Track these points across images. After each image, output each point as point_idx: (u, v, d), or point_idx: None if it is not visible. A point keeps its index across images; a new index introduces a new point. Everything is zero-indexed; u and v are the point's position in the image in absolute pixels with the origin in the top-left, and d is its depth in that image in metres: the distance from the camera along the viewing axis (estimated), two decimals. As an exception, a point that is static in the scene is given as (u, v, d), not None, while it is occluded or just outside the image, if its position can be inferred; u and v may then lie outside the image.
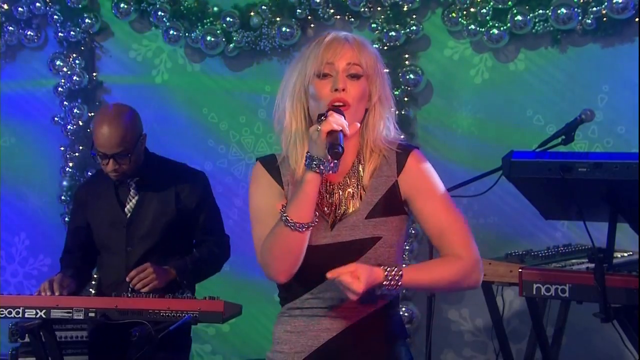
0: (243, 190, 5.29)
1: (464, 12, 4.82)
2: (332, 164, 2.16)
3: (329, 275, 2.17)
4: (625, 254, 3.90)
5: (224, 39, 5.19)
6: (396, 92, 4.96)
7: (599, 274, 3.09)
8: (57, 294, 3.59)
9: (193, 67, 5.38)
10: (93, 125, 3.78)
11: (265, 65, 5.27)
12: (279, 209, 2.24)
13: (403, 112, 4.95)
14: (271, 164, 2.35)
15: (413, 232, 4.79)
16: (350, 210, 2.29)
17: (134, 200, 3.80)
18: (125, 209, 3.80)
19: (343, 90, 2.24)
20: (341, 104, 2.23)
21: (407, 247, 4.82)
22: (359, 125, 2.27)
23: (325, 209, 2.30)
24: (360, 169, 2.31)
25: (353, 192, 2.30)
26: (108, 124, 3.64)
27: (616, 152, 3.46)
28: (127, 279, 3.63)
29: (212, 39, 5.18)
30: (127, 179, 3.77)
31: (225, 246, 3.93)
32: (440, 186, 2.35)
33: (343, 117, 2.19)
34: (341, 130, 2.15)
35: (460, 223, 2.33)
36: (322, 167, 2.16)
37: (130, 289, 3.61)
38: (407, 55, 4.96)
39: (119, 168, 3.67)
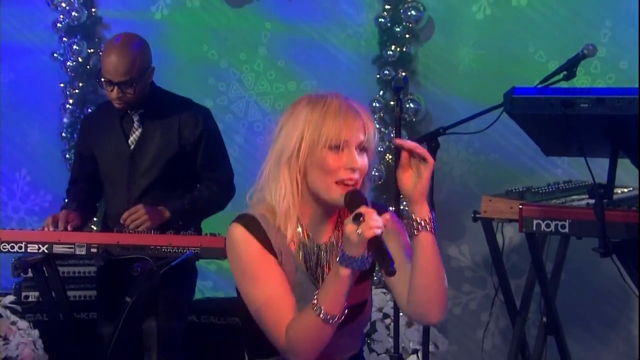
0: (243, 128, 5.29)
1: (467, -53, 4.76)
2: (368, 260, 2.10)
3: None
4: (626, 190, 3.91)
5: (223, -26, 5.14)
6: (397, 29, 4.93)
7: (599, 209, 3.10)
8: (61, 229, 3.61)
9: (192, 3, 5.32)
10: (103, 52, 3.77)
11: (265, 1, 5.21)
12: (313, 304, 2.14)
13: (404, 49, 4.91)
14: (257, 229, 2.23)
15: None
16: None
17: (137, 133, 3.80)
18: (129, 141, 3.80)
19: (358, 169, 2.21)
20: (352, 182, 2.20)
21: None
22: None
23: (317, 275, 2.28)
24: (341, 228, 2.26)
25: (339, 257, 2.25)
26: (116, 52, 3.62)
27: (618, 87, 3.45)
28: (121, 221, 3.64)
29: (212, -25, 5.12)
30: (130, 110, 3.76)
31: (228, 184, 3.92)
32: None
33: (375, 213, 2.10)
34: (381, 233, 2.08)
35: None
36: (358, 267, 2.10)
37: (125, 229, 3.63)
38: (408, -9, 4.92)
39: (123, 97, 3.66)
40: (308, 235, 2.28)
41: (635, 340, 4.56)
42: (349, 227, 2.08)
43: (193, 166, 3.83)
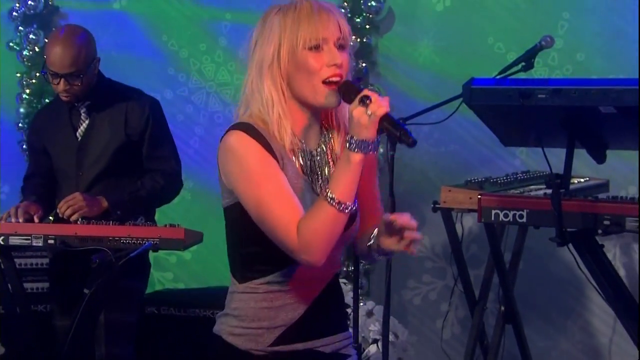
0: (204, 119, 5.26)
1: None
2: (376, 144, 2.11)
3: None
4: (582, 180, 3.96)
5: (183, -36, 5.10)
6: (358, 20, 4.93)
7: (556, 199, 3.13)
8: (21, 220, 3.57)
9: (152, -7, 5.28)
10: (46, 44, 3.72)
11: (226, -9, 5.19)
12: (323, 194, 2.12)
13: (364, 40, 4.92)
14: (256, 133, 2.19)
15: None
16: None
17: (85, 124, 3.78)
18: (77, 133, 3.78)
19: (341, 65, 2.19)
20: (337, 78, 2.18)
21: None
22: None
23: (315, 184, 2.25)
24: (331, 136, 2.29)
25: (328, 162, 2.27)
26: (61, 44, 3.59)
27: (575, 78, 3.48)
28: (57, 210, 3.62)
29: (171, -36, 5.09)
30: (77, 102, 3.73)
31: (173, 177, 3.86)
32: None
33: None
34: (388, 111, 2.10)
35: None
36: (373, 148, 2.10)
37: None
38: (369, -18, 4.92)
39: (70, 89, 3.64)
40: (301, 142, 2.25)
41: (591, 328, 4.63)
42: (357, 110, 2.09)
43: (141, 157, 3.80)
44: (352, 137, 2.09)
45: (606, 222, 3.21)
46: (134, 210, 3.72)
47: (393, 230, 2.13)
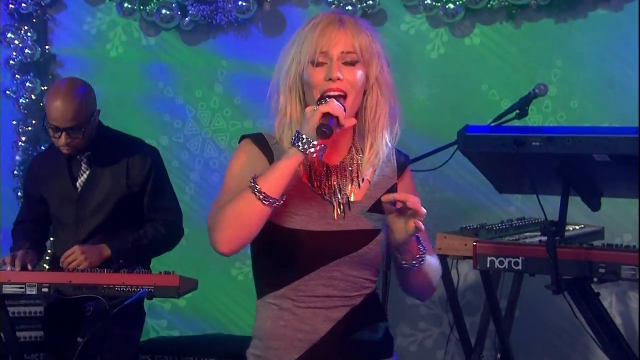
0: (199, 165, 5.27)
1: (420, -13, 4.83)
2: (318, 147, 2.07)
3: (393, 196, 2.09)
4: (577, 227, 3.96)
5: (179, 12, 5.15)
6: (353, 67, 4.96)
7: (551, 247, 3.13)
8: (18, 269, 3.56)
9: (148, 41, 5.32)
10: (46, 98, 3.73)
11: (221, 39, 5.23)
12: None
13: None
14: (262, 142, 2.23)
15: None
16: (352, 200, 2.22)
17: (85, 175, 3.77)
18: (77, 184, 3.77)
19: (338, 79, 2.14)
20: (336, 93, 2.14)
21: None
22: (355, 121, 2.19)
23: (326, 190, 2.21)
24: (358, 157, 2.24)
25: (352, 180, 2.23)
26: (62, 98, 3.59)
27: (569, 126, 3.50)
28: (60, 264, 3.60)
29: (167, 12, 5.13)
30: (78, 154, 3.73)
31: (174, 225, 3.87)
32: None
33: (343, 108, 2.11)
34: (337, 116, 2.08)
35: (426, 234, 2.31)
36: (307, 147, 2.07)
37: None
38: (363, 30, 4.96)
39: (71, 142, 3.63)
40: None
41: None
42: (308, 107, 2.12)
43: (141, 208, 3.80)
44: (297, 131, 2.11)
45: (602, 270, 3.21)
46: (136, 258, 3.71)
47: (397, 215, 2.11)
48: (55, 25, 5.39)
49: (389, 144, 2.25)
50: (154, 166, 3.80)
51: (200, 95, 5.28)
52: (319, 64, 2.16)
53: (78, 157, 3.76)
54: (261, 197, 2.08)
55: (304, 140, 2.08)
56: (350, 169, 2.24)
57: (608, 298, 4.49)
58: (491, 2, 4.72)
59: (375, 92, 2.22)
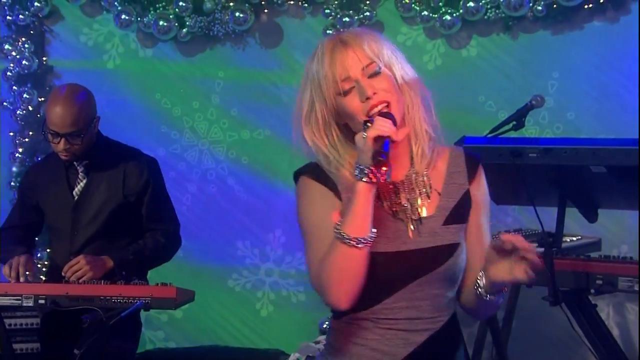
0: (196, 176, 5.28)
1: (417, -1, 4.85)
2: (382, 173, 2.00)
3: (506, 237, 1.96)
4: (574, 238, 3.96)
5: (176, 24, 5.16)
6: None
7: (548, 258, 3.13)
8: (22, 280, 3.55)
9: (145, 52, 5.33)
10: (47, 103, 3.73)
11: (218, 50, 5.24)
12: (335, 221, 2.05)
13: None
14: (321, 174, 2.14)
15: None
16: (425, 215, 2.14)
17: (82, 183, 3.77)
18: (74, 192, 3.77)
19: (374, 94, 2.07)
20: (380, 107, 2.07)
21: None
22: (407, 129, 2.12)
23: (397, 209, 2.14)
24: (420, 163, 2.16)
25: (422, 194, 2.15)
26: (62, 103, 3.59)
27: (565, 138, 3.51)
28: (62, 273, 3.60)
29: (165, 24, 5.14)
30: (76, 161, 3.73)
31: (173, 235, 3.86)
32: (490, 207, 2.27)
33: (391, 121, 2.03)
34: (388, 136, 2.00)
35: None
36: (371, 177, 2.00)
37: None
38: (360, 41, 4.97)
39: (70, 148, 3.63)
40: None
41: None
42: (358, 135, 2.04)
43: (137, 217, 3.79)
44: (356, 164, 2.03)
45: (599, 282, 3.21)
46: (137, 269, 3.70)
47: (503, 255, 2.00)
48: (52, 37, 5.40)
49: (432, 135, 2.17)
50: (152, 176, 3.80)
51: (197, 107, 5.28)
52: (347, 92, 2.10)
53: (76, 165, 3.75)
54: (354, 243, 2.01)
55: (365, 172, 2.01)
56: (416, 182, 2.16)
57: (605, 309, 4.49)
58: (488, 14, 4.73)
59: (406, 90, 2.16)
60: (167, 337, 5.27)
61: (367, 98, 2.08)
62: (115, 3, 5.19)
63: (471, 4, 4.71)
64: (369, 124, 2.02)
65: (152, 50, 5.32)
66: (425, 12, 4.83)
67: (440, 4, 4.79)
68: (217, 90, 5.26)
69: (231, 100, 5.26)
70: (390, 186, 2.14)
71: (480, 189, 2.22)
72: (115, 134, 3.94)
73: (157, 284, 3.53)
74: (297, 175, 2.20)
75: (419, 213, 2.14)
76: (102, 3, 5.24)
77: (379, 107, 2.07)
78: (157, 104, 5.31)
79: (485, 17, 4.74)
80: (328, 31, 4.99)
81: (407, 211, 2.13)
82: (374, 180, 2.01)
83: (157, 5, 5.17)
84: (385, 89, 2.10)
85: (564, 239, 3.51)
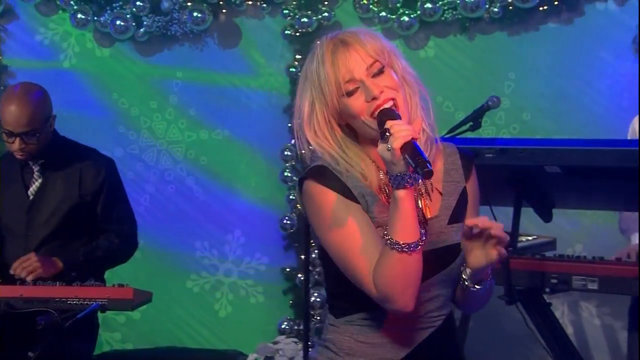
0: (154, 177, 5.25)
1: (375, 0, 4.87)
2: (418, 175, 1.96)
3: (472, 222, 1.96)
4: (530, 238, 4.00)
5: (133, 24, 5.12)
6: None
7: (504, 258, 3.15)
8: None
9: (102, 52, 5.29)
10: (1, 102, 3.68)
11: (176, 50, 5.22)
12: (381, 234, 2.03)
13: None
14: (329, 176, 2.09)
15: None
16: (429, 215, 2.13)
17: (37, 183, 3.72)
18: (29, 192, 3.72)
19: (381, 93, 2.06)
20: (388, 105, 2.05)
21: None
22: (419, 124, 2.10)
23: None
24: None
25: (424, 194, 2.14)
26: (16, 102, 3.54)
27: (521, 138, 3.55)
28: (11, 271, 3.55)
29: (122, 24, 5.11)
30: (31, 161, 3.69)
31: (128, 237, 3.81)
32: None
33: (399, 119, 2.01)
34: (412, 138, 1.97)
35: None
36: (409, 181, 1.97)
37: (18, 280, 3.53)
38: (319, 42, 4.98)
39: (25, 147, 3.58)
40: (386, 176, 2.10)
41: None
42: (380, 147, 2.00)
43: (94, 218, 3.76)
44: (388, 174, 2.02)
45: (553, 281, 3.25)
46: (89, 271, 3.66)
47: (475, 241, 2.00)
48: (7, 36, 5.33)
49: (430, 134, 2.15)
50: (108, 176, 3.76)
51: (155, 107, 5.26)
52: (351, 93, 2.08)
53: (31, 164, 3.71)
54: (408, 247, 1.99)
55: (403, 180, 1.98)
56: (419, 182, 2.12)
57: (560, 308, 4.54)
58: (445, 15, 4.77)
59: (405, 87, 2.14)
60: (124, 338, 5.23)
61: (374, 98, 2.06)
62: (72, 2, 5.15)
63: (429, 5, 4.74)
64: (387, 134, 1.99)
65: (109, 50, 5.28)
66: (383, 13, 4.85)
67: (398, 5, 4.82)
68: (175, 91, 5.24)
69: (189, 101, 5.24)
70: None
71: (475, 187, 2.24)
72: (71, 134, 3.90)
73: (114, 285, 3.51)
74: (302, 180, 2.13)
75: (424, 214, 2.13)
76: (58, 2, 5.19)
77: (387, 105, 2.05)
78: (114, 104, 5.27)
79: (443, 18, 4.78)
80: (286, 31, 5.00)
81: (418, 213, 2.10)
82: (413, 184, 1.99)
83: (114, 5, 5.13)
84: (391, 86, 2.08)
85: (519, 239, 3.55)
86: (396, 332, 2.13)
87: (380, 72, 2.09)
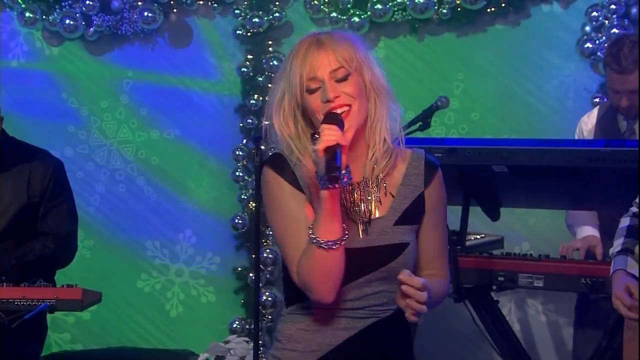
0: (105, 177, 5.21)
1: (326, 0, 4.89)
2: (344, 178, 2.06)
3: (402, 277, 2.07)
4: (478, 236, 4.05)
5: (83, 22, 5.08)
6: (260, 79, 4.99)
7: (452, 256, 3.20)
8: None
9: (52, 51, 5.24)
10: None
11: (127, 49, 5.19)
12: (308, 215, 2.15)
13: (267, 98, 4.96)
14: (282, 166, 2.21)
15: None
16: (377, 215, 2.22)
17: (-15, 185, 3.68)
18: (-23, 194, 3.68)
19: (336, 97, 2.15)
20: (340, 110, 2.14)
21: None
22: (350, 133, 2.16)
23: (349, 209, 2.21)
24: (375, 167, 2.22)
25: (375, 195, 2.23)
26: None
27: (470, 138, 3.60)
28: None
29: (71, 22, 5.07)
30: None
31: (65, 240, 3.74)
32: (446, 210, 2.36)
33: (338, 125, 2.10)
34: (337, 144, 2.07)
35: (447, 249, 2.36)
36: (333, 184, 2.06)
37: None
38: (270, 42, 5.00)
39: (-27, 148, 3.54)
40: None
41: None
42: (310, 147, 2.14)
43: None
44: (315, 175, 2.10)
45: (500, 278, 3.31)
46: (21, 275, 3.59)
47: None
48: (-47, 36, 5.26)
49: (390, 145, 2.23)
50: (55, 176, 3.73)
51: (106, 106, 5.22)
52: (313, 91, 2.17)
53: (-21, 166, 3.67)
54: (329, 245, 2.10)
55: (326, 182, 2.07)
56: (372, 184, 2.23)
57: (507, 305, 4.60)
58: (395, 16, 4.81)
59: (372, 97, 2.22)
60: (73, 339, 5.19)
61: (328, 100, 2.16)
62: (19, 0, 5.09)
63: (379, 6, 4.78)
64: (316, 136, 2.10)
65: (58, 49, 5.23)
66: (334, 14, 4.87)
67: (349, 5, 4.85)
68: (126, 90, 5.21)
69: (140, 100, 5.21)
70: (349, 187, 2.21)
71: (436, 194, 2.30)
72: (20, 134, 3.87)
73: (63, 286, 3.48)
74: (262, 165, 2.27)
75: (371, 214, 2.21)
76: (5, 0, 5.13)
77: (339, 110, 2.15)
78: (64, 104, 5.23)
79: (393, 19, 4.81)
80: (238, 31, 5.01)
81: (359, 212, 2.22)
82: (334, 186, 2.07)
83: (63, 4, 5.09)
84: (349, 94, 2.17)
85: (467, 237, 3.59)
86: (337, 319, 2.21)
87: (344, 78, 2.18)
